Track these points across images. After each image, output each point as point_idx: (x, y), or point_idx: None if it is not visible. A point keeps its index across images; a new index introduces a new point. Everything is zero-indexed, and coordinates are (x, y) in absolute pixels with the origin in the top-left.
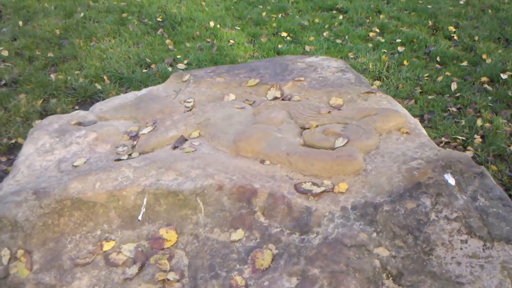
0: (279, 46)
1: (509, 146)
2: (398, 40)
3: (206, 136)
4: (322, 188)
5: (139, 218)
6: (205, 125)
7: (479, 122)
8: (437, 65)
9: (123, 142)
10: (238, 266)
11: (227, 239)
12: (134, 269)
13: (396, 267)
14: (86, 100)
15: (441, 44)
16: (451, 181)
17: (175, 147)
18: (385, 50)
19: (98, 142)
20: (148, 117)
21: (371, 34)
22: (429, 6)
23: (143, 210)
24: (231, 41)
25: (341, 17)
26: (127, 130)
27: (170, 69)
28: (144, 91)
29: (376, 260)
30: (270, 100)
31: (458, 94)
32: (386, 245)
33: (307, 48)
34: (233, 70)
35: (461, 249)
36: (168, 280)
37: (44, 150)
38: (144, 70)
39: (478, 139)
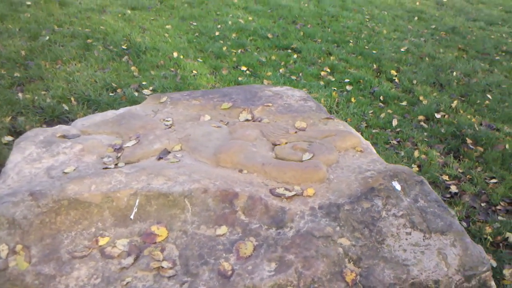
0: (239, 78)
1: (441, 175)
2: (347, 80)
3: (187, 150)
4: (294, 192)
5: (131, 217)
6: (186, 140)
7: (416, 153)
8: (380, 103)
9: (108, 153)
10: (224, 255)
11: (213, 234)
12: (129, 260)
13: (355, 253)
14: (54, 119)
15: (383, 85)
16: (398, 187)
17: (159, 158)
18: (335, 88)
19: (84, 153)
20: (131, 132)
21: (322, 73)
22: (374, 52)
23: (135, 210)
24: (194, 71)
25: (295, 56)
26: (110, 143)
27: (136, 94)
28: (122, 110)
29: (339, 248)
30: (242, 121)
31: (398, 129)
32: (347, 236)
33: (265, 82)
34: (207, 95)
35: (406, 239)
36: (162, 267)
37: (31, 158)
38: (110, 94)
39: (415, 168)
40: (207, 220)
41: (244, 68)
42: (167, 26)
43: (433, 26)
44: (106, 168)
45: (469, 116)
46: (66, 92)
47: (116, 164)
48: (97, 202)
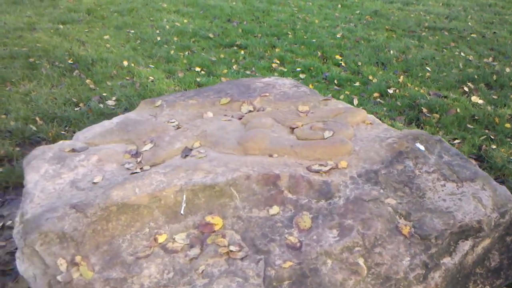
0: (197, 79)
1: None
2: (298, 69)
3: (208, 145)
4: (329, 167)
5: (182, 212)
6: (204, 136)
7: None
8: (335, 86)
9: (127, 160)
10: (286, 230)
11: (267, 215)
12: (196, 250)
13: (404, 210)
14: (25, 141)
15: (332, 70)
16: (421, 147)
17: (185, 156)
18: (290, 77)
19: (103, 163)
20: (142, 136)
21: (273, 65)
22: (313, 40)
23: (184, 205)
24: (150, 77)
25: (242, 52)
26: (125, 150)
27: (101, 105)
28: (117, 119)
29: (388, 207)
30: (246, 113)
31: (361, 107)
32: (392, 196)
33: (224, 79)
34: (202, 93)
35: (442, 190)
36: (231, 251)
37: (50, 175)
38: (75, 109)
39: None
40: (256, 204)
41: (198, 69)
42: (106, 37)
43: (358, 12)
44: (133, 173)
45: (416, 88)
46: (29, 112)
47: (141, 168)
48: (145, 203)
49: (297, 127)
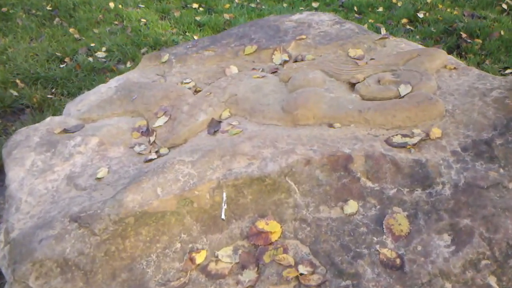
0: (197, 18)
1: None
2: None
3: (240, 114)
4: (417, 138)
5: (223, 216)
6: (234, 102)
7: None
8: (356, 15)
9: (136, 140)
10: (375, 239)
11: (342, 215)
12: (251, 274)
13: None
14: (6, 110)
15: None
16: None
17: (214, 132)
18: (302, 8)
19: (106, 147)
20: (153, 106)
21: None
22: None
23: (225, 206)
24: (142, 20)
25: None
26: (133, 126)
27: (91, 59)
28: (115, 81)
29: None
30: (280, 64)
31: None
32: None
33: (226, 16)
34: (219, 41)
35: None
36: (302, 274)
37: (39, 170)
38: (61, 66)
39: None
40: (324, 198)
41: (195, 6)
42: None
43: None
44: (148, 160)
45: (448, 10)
46: (7, 74)
47: (156, 152)
48: (172, 209)
49: (358, 82)
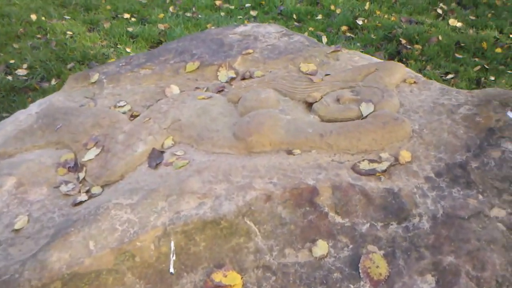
0: (129, 29)
1: None
2: (248, 4)
3: (186, 141)
4: (386, 163)
5: (171, 270)
6: (178, 128)
7: None
8: (295, 23)
9: (62, 178)
10: (352, 286)
11: (311, 258)
12: None
13: None
14: None
15: (287, 2)
16: None
17: (157, 165)
18: (241, 17)
19: (25, 188)
20: (82, 136)
21: (217, 2)
22: None
23: (173, 258)
24: (68, 32)
25: None
26: (58, 160)
27: (10, 78)
28: (36, 106)
29: (498, 224)
30: (226, 82)
31: (331, 46)
32: (497, 204)
33: (161, 26)
34: (157, 57)
35: None
36: None
37: None
38: None
39: None
40: (290, 240)
41: (127, 16)
42: None
43: None
44: (79, 203)
45: (386, 16)
46: None
47: (87, 192)
48: (109, 266)
49: (315, 101)
